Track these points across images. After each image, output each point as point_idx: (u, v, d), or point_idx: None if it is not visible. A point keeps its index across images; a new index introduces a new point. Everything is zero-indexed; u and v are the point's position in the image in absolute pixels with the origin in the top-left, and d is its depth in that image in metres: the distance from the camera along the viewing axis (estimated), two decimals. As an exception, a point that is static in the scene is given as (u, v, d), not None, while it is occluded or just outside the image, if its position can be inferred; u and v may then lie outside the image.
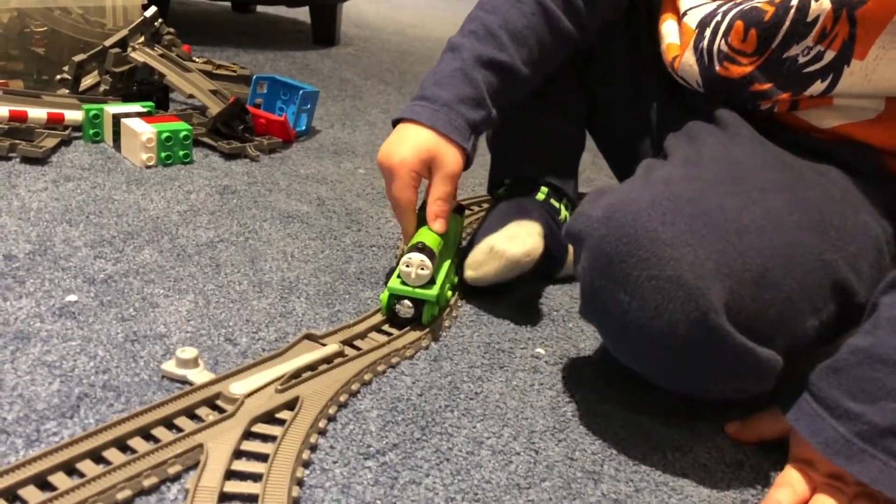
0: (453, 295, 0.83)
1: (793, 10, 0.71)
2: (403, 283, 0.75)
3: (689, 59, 0.80)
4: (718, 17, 0.77)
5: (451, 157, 0.78)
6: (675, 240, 0.58)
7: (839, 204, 0.68)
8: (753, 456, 0.67)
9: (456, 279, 0.85)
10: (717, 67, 0.77)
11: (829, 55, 0.71)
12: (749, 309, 0.58)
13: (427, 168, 0.78)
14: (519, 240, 0.79)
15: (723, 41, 0.75)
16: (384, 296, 0.76)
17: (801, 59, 0.72)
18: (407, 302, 0.75)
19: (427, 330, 0.76)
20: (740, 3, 0.76)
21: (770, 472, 0.65)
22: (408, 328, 0.76)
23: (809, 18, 0.70)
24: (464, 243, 0.94)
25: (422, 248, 0.74)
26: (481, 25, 0.82)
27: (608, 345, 0.67)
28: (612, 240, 0.60)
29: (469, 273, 0.82)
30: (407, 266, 0.74)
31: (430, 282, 0.75)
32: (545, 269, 0.87)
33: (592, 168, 1.49)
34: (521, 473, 0.60)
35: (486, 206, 1.13)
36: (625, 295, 0.59)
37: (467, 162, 0.81)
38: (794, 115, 0.76)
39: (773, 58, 0.74)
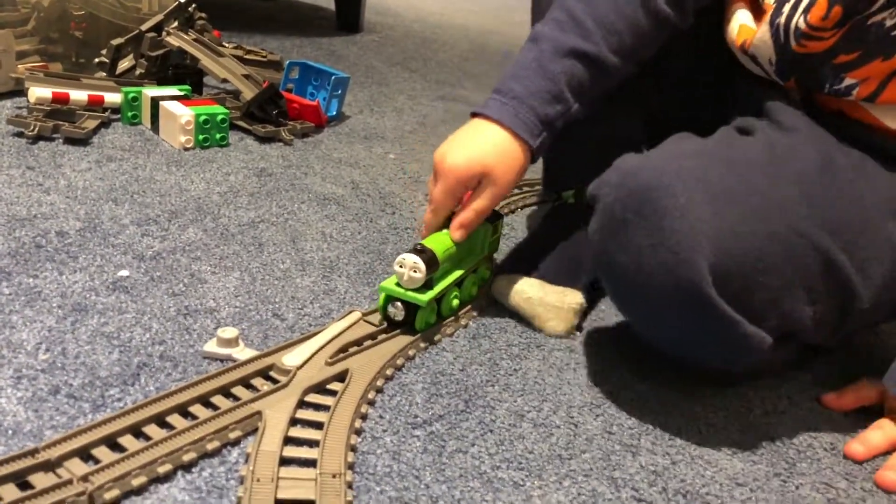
0: (468, 305, 0.80)
1: None
2: (398, 284, 0.72)
3: (764, 35, 0.74)
4: None
5: (506, 173, 0.75)
6: (675, 210, 0.61)
7: (868, 210, 0.68)
8: (785, 434, 0.69)
9: (475, 290, 0.81)
10: (794, 44, 0.71)
11: None
12: (740, 286, 0.61)
13: (477, 181, 0.75)
14: (557, 318, 0.78)
15: (801, 18, 0.70)
16: (382, 295, 0.73)
17: (889, 23, 0.67)
18: (399, 304, 0.72)
19: (467, 308, 0.79)
20: None
21: (801, 447, 0.67)
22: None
23: None
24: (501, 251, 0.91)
25: (420, 251, 0.71)
26: (565, 12, 0.76)
27: (613, 303, 0.71)
28: (621, 205, 0.63)
29: (499, 296, 0.81)
30: (400, 266, 0.70)
31: (426, 287, 0.72)
32: (595, 283, 0.85)
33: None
34: (562, 445, 0.62)
35: (527, 190, 1.15)
36: (626, 258, 0.63)
37: (532, 159, 0.77)
38: (864, 110, 0.72)
39: (858, 25, 0.69)
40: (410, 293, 0.71)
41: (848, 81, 0.71)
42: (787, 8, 0.71)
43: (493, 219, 0.82)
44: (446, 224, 0.77)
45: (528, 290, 0.78)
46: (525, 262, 0.83)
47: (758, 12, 0.78)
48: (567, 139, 0.81)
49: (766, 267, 0.62)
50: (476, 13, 3.33)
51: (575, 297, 0.78)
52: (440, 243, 0.74)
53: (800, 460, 0.66)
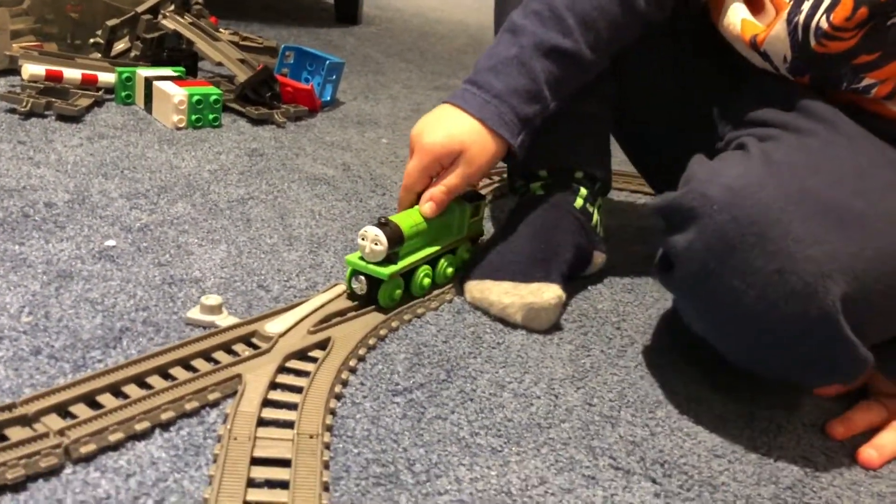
0: (444, 285, 0.79)
1: None
2: (362, 257, 0.71)
3: (780, 32, 0.71)
4: None
5: (482, 155, 0.74)
6: (808, 237, 0.58)
7: None
8: (767, 409, 0.69)
9: (451, 271, 0.80)
10: (813, 43, 0.69)
11: None
12: (863, 308, 0.59)
13: (452, 158, 0.74)
14: (538, 318, 0.75)
15: (823, 17, 0.68)
16: (349, 269, 0.72)
17: None
18: (361, 277, 0.71)
19: (444, 290, 0.78)
20: None
21: (782, 423, 0.67)
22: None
23: None
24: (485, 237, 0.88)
25: (384, 224, 0.69)
26: (545, 5, 0.75)
27: (696, 322, 0.67)
28: (738, 227, 0.59)
29: (472, 296, 0.78)
30: (362, 239, 0.70)
31: (389, 261, 0.71)
32: (571, 273, 0.83)
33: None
34: (542, 415, 0.63)
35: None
36: (742, 283, 0.59)
37: (513, 157, 0.77)
38: (883, 105, 0.72)
39: (878, 26, 0.67)
40: (372, 266, 0.70)
41: (867, 81, 0.70)
42: (806, 6, 0.70)
43: (473, 199, 0.82)
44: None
45: (504, 299, 0.75)
46: (494, 264, 0.78)
47: (754, 5, 0.77)
48: None
49: (885, 287, 0.59)
50: (476, 9, 3.34)
51: (553, 291, 0.74)
52: (408, 219, 0.73)
53: (780, 434, 0.66)
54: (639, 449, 0.61)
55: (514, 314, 0.74)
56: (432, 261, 0.76)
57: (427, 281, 0.76)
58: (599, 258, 0.86)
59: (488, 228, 0.97)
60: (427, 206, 0.75)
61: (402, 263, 0.71)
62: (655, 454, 0.60)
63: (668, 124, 0.89)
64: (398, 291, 0.72)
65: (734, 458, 0.62)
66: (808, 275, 0.57)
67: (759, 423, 0.67)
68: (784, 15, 0.71)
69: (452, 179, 0.75)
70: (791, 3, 0.71)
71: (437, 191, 0.75)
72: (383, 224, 0.70)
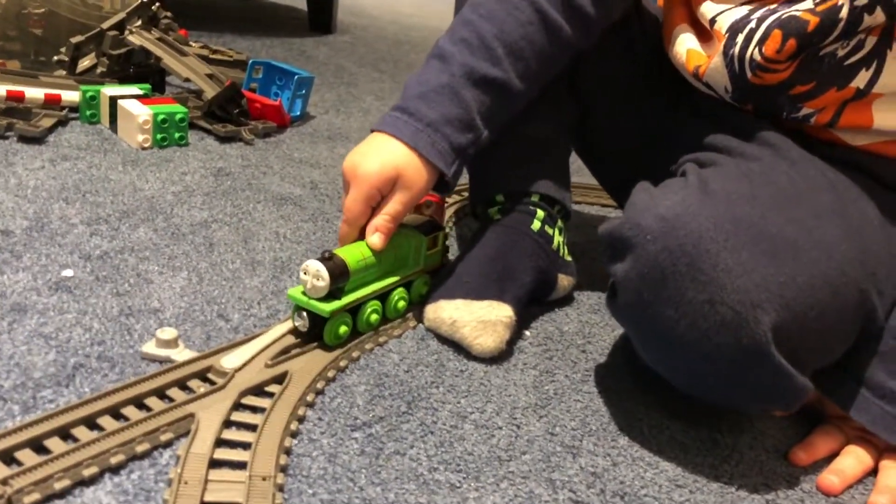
0: (393, 320, 0.77)
1: (842, 23, 0.65)
2: (304, 292, 0.69)
3: (719, 65, 0.73)
4: (752, 24, 0.70)
5: (418, 179, 0.73)
6: (737, 267, 0.57)
7: (877, 229, 0.67)
8: (728, 435, 0.69)
9: (403, 305, 0.77)
10: (749, 75, 0.71)
11: (871, 41, 0.66)
12: (796, 337, 0.59)
13: (390, 186, 0.73)
14: (485, 333, 0.73)
15: (756, 50, 0.69)
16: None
17: (841, 53, 0.67)
18: (304, 313, 0.69)
19: (393, 324, 0.76)
20: (776, 10, 0.69)
21: (744, 450, 0.67)
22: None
23: (861, 28, 0.65)
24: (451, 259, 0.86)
25: (327, 258, 0.67)
26: (474, 34, 0.75)
27: (640, 349, 0.66)
28: (670, 257, 0.59)
29: (427, 318, 0.77)
30: (304, 273, 0.67)
31: (332, 297, 0.69)
32: (535, 297, 0.83)
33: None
34: (503, 447, 0.62)
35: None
36: (674, 312, 0.59)
37: (446, 187, 0.77)
38: (828, 131, 0.72)
39: (811, 57, 0.68)
40: (314, 303, 0.67)
41: (805, 111, 0.71)
42: (740, 39, 0.70)
43: (429, 231, 0.79)
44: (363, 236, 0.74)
45: (454, 314, 0.74)
46: (448, 286, 0.77)
47: (703, 34, 0.78)
48: (488, 147, 0.79)
49: (817, 315, 0.59)
50: (452, 15, 3.34)
51: (503, 310, 0.74)
52: (355, 252, 0.71)
53: (741, 462, 0.66)
54: (599, 481, 0.60)
55: (462, 328, 0.73)
56: (383, 295, 0.74)
57: (375, 317, 0.73)
58: (565, 281, 0.86)
59: (453, 250, 0.96)
60: (375, 238, 0.73)
61: (346, 299, 0.69)
62: (616, 486, 0.60)
63: (629, 147, 0.90)
64: (344, 328, 0.70)
65: (696, 487, 0.61)
66: (738, 305, 0.57)
67: (722, 449, 0.67)
68: (720, 48, 0.72)
69: (394, 206, 0.73)
70: (727, 36, 0.72)
71: (381, 220, 0.73)
72: (326, 258, 0.67)
